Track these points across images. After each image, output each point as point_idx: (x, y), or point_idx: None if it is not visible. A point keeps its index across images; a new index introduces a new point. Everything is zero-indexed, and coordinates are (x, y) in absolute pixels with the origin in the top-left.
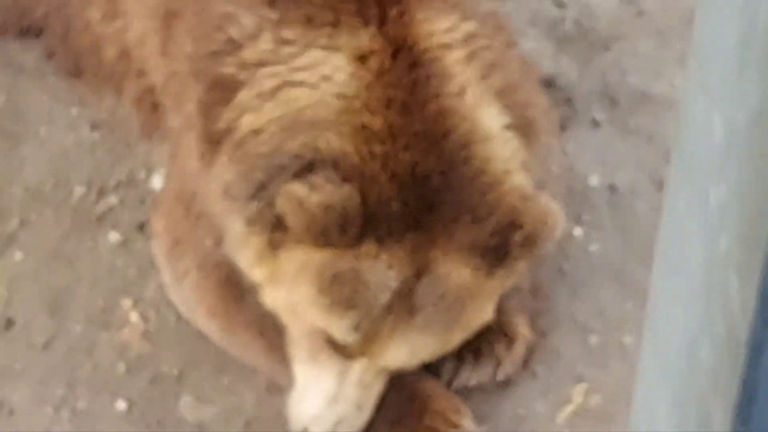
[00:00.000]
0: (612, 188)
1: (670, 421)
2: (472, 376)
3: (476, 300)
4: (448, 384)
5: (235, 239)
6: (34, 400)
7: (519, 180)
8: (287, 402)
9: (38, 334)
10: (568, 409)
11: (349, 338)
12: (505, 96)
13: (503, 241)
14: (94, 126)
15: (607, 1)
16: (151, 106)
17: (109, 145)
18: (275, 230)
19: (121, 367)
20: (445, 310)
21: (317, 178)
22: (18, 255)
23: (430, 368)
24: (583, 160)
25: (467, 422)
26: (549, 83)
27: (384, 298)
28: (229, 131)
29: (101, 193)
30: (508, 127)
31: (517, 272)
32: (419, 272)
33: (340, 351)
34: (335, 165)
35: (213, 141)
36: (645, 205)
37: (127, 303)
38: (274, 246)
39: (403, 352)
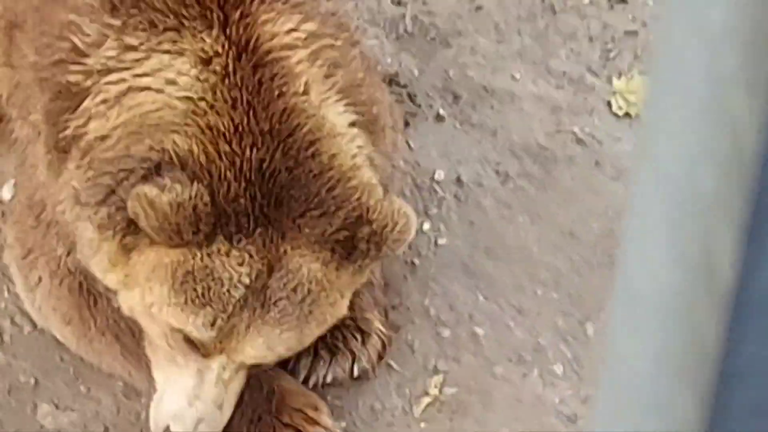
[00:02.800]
0: (458, 182)
1: (668, 255)
2: (328, 372)
3: (329, 294)
4: (305, 380)
5: (87, 246)
6: None
7: (366, 176)
8: (147, 406)
9: None
10: (424, 401)
11: (205, 335)
12: (349, 94)
13: (351, 236)
14: None
15: None
16: None
17: None
18: (127, 234)
19: None
20: (299, 304)
21: (166, 179)
22: None
23: (287, 366)
24: (428, 154)
25: (325, 418)
26: (391, 80)
27: (237, 293)
28: (75, 138)
29: None
30: (353, 123)
31: (369, 268)
32: (271, 267)
33: (198, 349)
34: (183, 165)
35: (60, 149)
36: (491, 198)
37: None
38: (126, 250)
39: (260, 346)
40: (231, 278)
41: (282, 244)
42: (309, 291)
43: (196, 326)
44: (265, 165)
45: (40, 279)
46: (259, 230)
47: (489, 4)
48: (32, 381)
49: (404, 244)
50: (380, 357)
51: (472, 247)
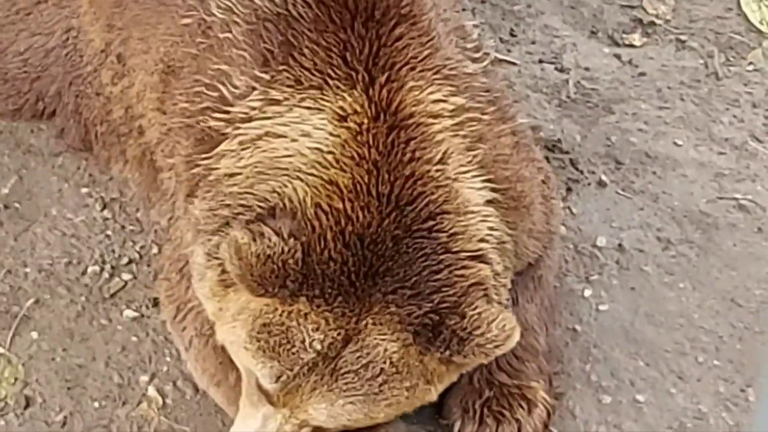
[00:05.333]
0: (620, 248)
1: None
2: None
3: (404, 377)
4: None
5: (196, 271)
6: None
7: (484, 270)
8: None
9: (56, 412)
10: None
11: (269, 386)
12: (490, 169)
13: (438, 322)
14: (105, 204)
15: (607, 64)
16: (150, 165)
17: (120, 222)
18: (225, 270)
19: None
20: (368, 380)
21: (265, 228)
22: (34, 335)
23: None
24: (590, 220)
25: None
26: (553, 146)
27: (307, 357)
28: (204, 175)
29: (114, 271)
30: (490, 201)
31: (464, 366)
32: (348, 338)
33: (266, 396)
34: (293, 215)
35: (192, 193)
36: (652, 264)
37: (143, 378)
38: (224, 284)
39: (322, 411)
40: (304, 341)
41: (364, 317)
42: (381, 370)
43: (263, 375)
44: (370, 230)
45: (191, 339)
46: (342, 298)
47: (652, 70)
48: None
49: (490, 354)
50: (545, 426)
51: (633, 313)
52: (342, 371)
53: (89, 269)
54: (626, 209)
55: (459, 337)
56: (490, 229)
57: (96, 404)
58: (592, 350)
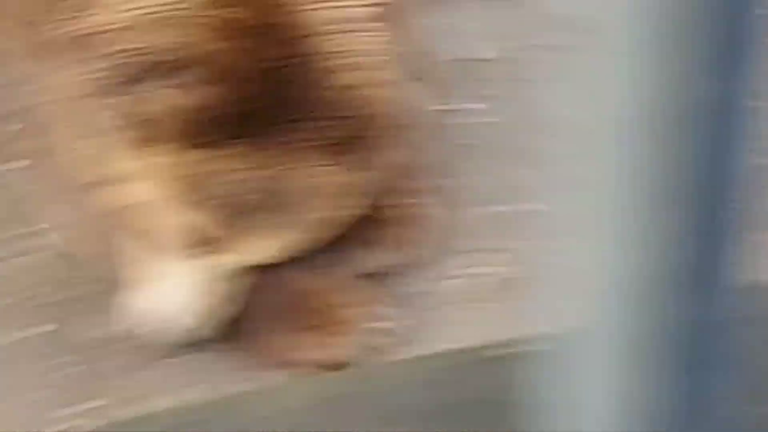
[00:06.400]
0: (508, 60)
1: None
2: (385, 260)
3: (337, 195)
4: (362, 270)
5: (103, 135)
6: None
7: (378, 73)
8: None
9: None
10: (483, 281)
11: (214, 234)
12: None
13: (355, 136)
14: None
15: None
16: None
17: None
18: (145, 126)
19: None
20: (307, 207)
21: (190, 79)
22: None
23: (341, 255)
24: (476, 32)
25: (359, 313)
26: None
27: (248, 198)
28: (76, 35)
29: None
30: (371, 17)
31: (380, 166)
32: (280, 170)
33: (209, 246)
34: (207, 63)
35: (58, 50)
36: (540, 75)
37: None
38: (144, 142)
39: (271, 246)
40: (243, 183)
41: (290, 148)
42: (315, 194)
43: (207, 225)
44: (274, 64)
45: None
46: (270, 133)
47: None
48: None
49: (413, 136)
50: (436, 242)
51: (522, 125)
52: (281, 204)
53: None
54: (512, 19)
55: (379, 140)
56: (374, 41)
57: None
58: (482, 163)
